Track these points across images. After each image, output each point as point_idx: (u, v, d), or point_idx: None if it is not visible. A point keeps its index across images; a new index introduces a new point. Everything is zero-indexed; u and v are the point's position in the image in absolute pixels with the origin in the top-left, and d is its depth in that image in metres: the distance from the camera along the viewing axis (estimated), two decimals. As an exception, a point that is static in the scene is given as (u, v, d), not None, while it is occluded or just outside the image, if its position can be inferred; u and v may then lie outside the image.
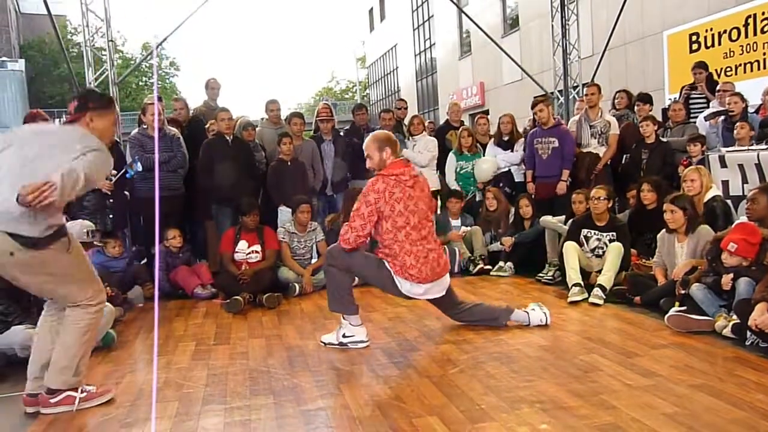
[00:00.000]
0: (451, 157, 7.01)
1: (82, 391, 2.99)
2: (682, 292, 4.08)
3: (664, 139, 6.44)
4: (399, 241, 3.80)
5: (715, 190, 5.18)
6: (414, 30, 30.37)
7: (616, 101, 7.54)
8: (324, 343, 3.92)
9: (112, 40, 9.67)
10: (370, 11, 38.67)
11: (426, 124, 7.90)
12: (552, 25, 11.01)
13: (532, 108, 6.67)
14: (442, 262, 3.95)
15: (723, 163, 5.50)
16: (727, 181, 5.46)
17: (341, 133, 7.37)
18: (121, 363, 3.75)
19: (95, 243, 5.16)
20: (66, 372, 2.96)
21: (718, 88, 6.99)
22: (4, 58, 28.44)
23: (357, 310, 3.94)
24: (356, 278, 5.76)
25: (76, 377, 2.99)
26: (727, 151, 5.56)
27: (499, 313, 4.17)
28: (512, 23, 20.08)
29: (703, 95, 7.17)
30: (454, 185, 6.93)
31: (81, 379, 3.02)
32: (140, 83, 39.18)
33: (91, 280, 3.05)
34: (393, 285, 3.88)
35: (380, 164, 3.95)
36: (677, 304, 4.07)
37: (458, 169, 6.99)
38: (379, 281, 3.98)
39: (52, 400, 2.96)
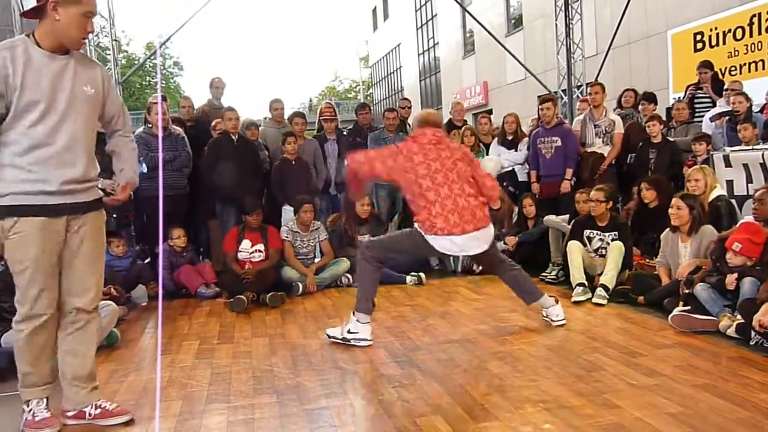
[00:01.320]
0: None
1: (95, 407, 2.79)
2: (686, 291, 4.07)
3: (671, 139, 6.43)
4: (427, 201, 3.73)
5: (720, 190, 5.17)
6: (417, 29, 30.36)
7: (623, 100, 7.53)
8: (328, 336, 3.94)
9: (116, 40, 9.72)
10: (374, 10, 38.67)
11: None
12: (556, 25, 11.00)
13: (541, 104, 6.65)
14: (480, 214, 3.81)
15: (727, 163, 5.48)
16: (732, 180, 5.44)
17: (344, 133, 7.37)
18: (125, 362, 3.76)
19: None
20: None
21: (726, 87, 6.98)
22: (8, 58, 28.48)
23: (371, 310, 3.92)
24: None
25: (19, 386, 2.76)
26: (732, 151, 5.54)
27: (532, 291, 4.15)
28: (516, 22, 20.06)
29: (708, 95, 7.15)
30: None
31: (24, 393, 2.76)
32: (144, 83, 39.24)
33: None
34: (429, 247, 3.80)
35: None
36: (681, 303, 4.07)
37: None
38: (417, 249, 4.02)
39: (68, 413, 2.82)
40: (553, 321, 4.10)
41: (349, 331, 3.84)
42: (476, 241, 3.81)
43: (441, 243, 3.76)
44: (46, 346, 2.72)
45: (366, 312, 3.88)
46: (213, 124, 6.72)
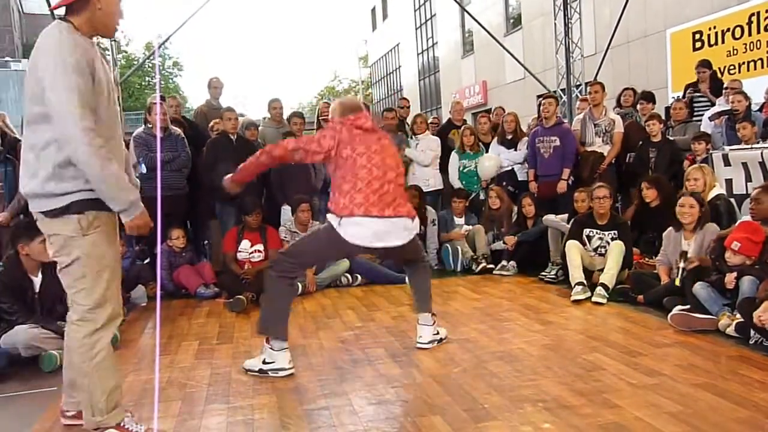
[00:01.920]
0: (454, 156, 7.01)
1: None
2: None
3: (671, 138, 6.43)
4: (357, 179, 3.36)
5: (719, 189, 5.17)
6: (416, 29, 30.34)
7: (622, 99, 7.53)
8: (245, 369, 3.43)
9: (115, 40, 9.69)
10: (373, 10, 38.65)
11: (431, 120, 7.89)
12: (555, 24, 10.99)
13: (543, 100, 6.64)
14: (406, 204, 3.53)
15: (726, 162, 5.49)
16: (731, 179, 5.44)
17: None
18: (124, 362, 3.75)
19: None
20: (85, 410, 2.53)
21: (725, 85, 6.98)
22: (7, 58, 28.47)
23: (286, 335, 3.42)
24: (357, 278, 5.86)
25: (94, 417, 2.49)
26: (731, 150, 5.54)
27: (427, 301, 3.79)
28: (515, 22, 20.05)
29: (706, 96, 7.15)
30: (458, 184, 6.92)
31: (105, 420, 2.50)
32: (143, 83, 39.21)
33: None
34: (339, 240, 3.33)
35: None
36: (680, 302, 4.07)
37: (461, 168, 6.99)
38: (328, 247, 3.50)
39: None
40: (417, 341, 3.75)
41: (264, 362, 3.37)
42: (394, 230, 3.42)
43: (351, 230, 3.31)
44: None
45: (280, 338, 3.38)
46: (210, 124, 6.71)
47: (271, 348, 3.37)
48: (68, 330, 2.49)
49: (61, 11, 2.46)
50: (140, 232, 2.52)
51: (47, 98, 2.27)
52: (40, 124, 2.35)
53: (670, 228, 4.67)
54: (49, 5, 8.71)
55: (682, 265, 4.32)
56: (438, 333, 3.81)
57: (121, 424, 2.52)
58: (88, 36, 2.42)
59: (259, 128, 6.96)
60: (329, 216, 3.42)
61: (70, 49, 2.28)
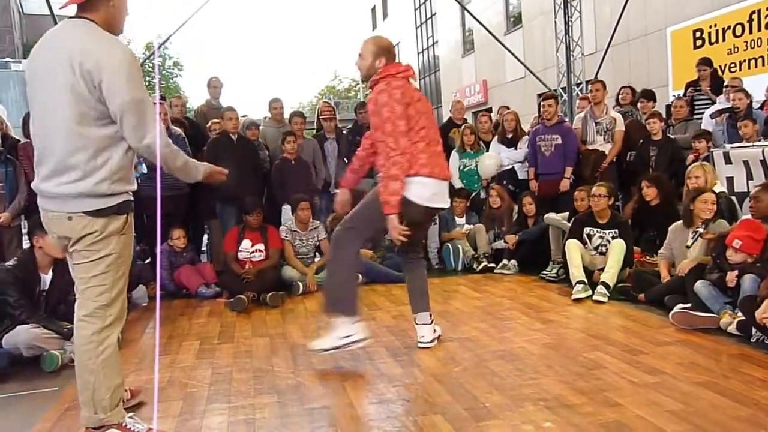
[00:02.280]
0: (454, 155, 7.00)
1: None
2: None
3: (671, 136, 6.42)
4: (417, 147, 3.36)
5: (720, 187, 5.17)
6: (416, 28, 30.33)
7: (620, 97, 7.52)
8: (317, 350, 3.45)
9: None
10: (373, 9, 38.61)
11: None
12: (555, 22, 10.99)
13: (543, 101, 6.64)
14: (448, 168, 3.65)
15: (728, 160, 5.48)
16: (732, 177, 5.44)
17: (344, 132, 7.36)
18: (125, 362, 3.71)
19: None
20: (86, 407, 2.52)
21: (725, 83, 6.97)
22: (7, 59, 28.48)
23: (357, 310, 3.46)
24: (357, 278, 5.85)
25: (97, 414, 2.49)
26: (732, 148, 5.54)
27: (423, 303, 3.76)
28: (515, 20, 20.03)
29: (707, 96, 7.15)
30: (458, 183, 6.91)
31: (107, 417, 2.50)
32: (144, 83, 39.18)
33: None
34: (406, 203, 3.33)
35: (368, 70, 3.53)
36: (682, 301, 4.06)
37: (462, 167, 6.98)
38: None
39: None
40: (419, 341, 3.73)
41: (341, 338, 3.39)
42: (445, 192, 3.58)
43: (415, 189, 3.34)
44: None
45: (353, 314, 3.41)
46: (209, 124, 6.71)
47: (347, 323, 3.38)
48: (76, 326, 2.50)
49: (71, 10, 2.45)
50: (217, 178, 2.78)
51: (117, 102, 2.33)
52: (93, 126, 2.38)
53: (677, 222, 4.65)
54: (49, 6, 8.74)
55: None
56: (436, 330, 3.82)
57: (123, 423, 2.52)
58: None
59: (260, 128, 6.96)
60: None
61: (134, 62, 2.43)
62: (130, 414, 2.61)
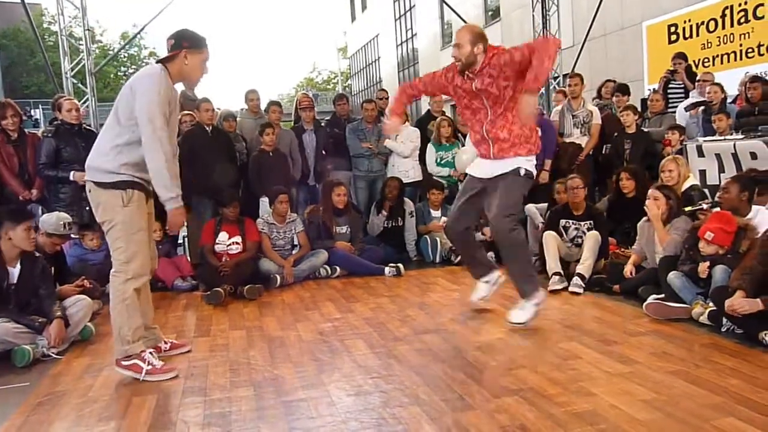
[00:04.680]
0: (430, 148, 6.99)
1: (148, 363, 3.20)
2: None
3: (645, 129, 6.50)
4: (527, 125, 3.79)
5: (693, 180, 5.24)
6: (396, 20, 30.27)
7: (603, 90, 7.59)
8: (519, 323, 3.79)
9: (89, 29, 9.50)
10: (352, 1, 38.45)
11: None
12: (533, 16, 11.04)
13: None
14: None
15: (700, 153, 5.57)
16: (705, 170, 5.52)
17: (322, 124, 7.33)
18: (99, 356, 3.70)
19: (72, 235, 5.08)
20: (117, 342, 3.24)
21: (698, 78, 7.07)
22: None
23: (538, 284, 3.96)
24: (336, 270, 5.85)
25: (123, 346, 3.20)
26: (705, 141, 5.62)
27: (488, 270, 4.31)
28: (493, 14, 20.09)
29: (682, 85, 7.24)
30: (444, 171, 6.88)
31: (131, 348, 3.20)
32: (119, 73, 38.61)
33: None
34: (531, 179, 3.90)
35: (468, 58, 3.78)
36: (655, 292, 4.13)
37: (438, 160, 6.98)
38: (526, 189, 3.97)
39: (123, 363, 3.22)
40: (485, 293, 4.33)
41: (535, 304, 3.83)
42: None
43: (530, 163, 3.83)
44: (142, 302, 3.33)
45: (539, 288, 3.89)
46: (179, 116, 6.62)
47: (535, 304, 3.82)
48: (111, 280, 3.23)
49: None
50: (174, 227, 3.30)
51: (139, 116, 3.06)
52: (118, 128, 3.15)
53: (644, 219, 4.72)
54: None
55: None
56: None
57: (143, 355, 3.21)
58: (175, 81, 3.29)
59: (237, 120, 6.90)
60: (521, 159, 3.78)
61: (164, 88, 3.14)
62: (151, 350, 3.30)
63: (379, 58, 34.30)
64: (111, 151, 3.15)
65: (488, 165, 3.90)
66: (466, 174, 6.76)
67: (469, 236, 4.31)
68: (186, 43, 3.25)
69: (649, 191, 4.62)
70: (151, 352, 3.29)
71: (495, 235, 3.88)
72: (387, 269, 5.81)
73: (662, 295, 4.03)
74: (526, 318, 3.79)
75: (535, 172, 3.89)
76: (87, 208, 5.31)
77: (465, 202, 4.07)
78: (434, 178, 6.92)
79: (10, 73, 31.29)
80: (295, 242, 6.02)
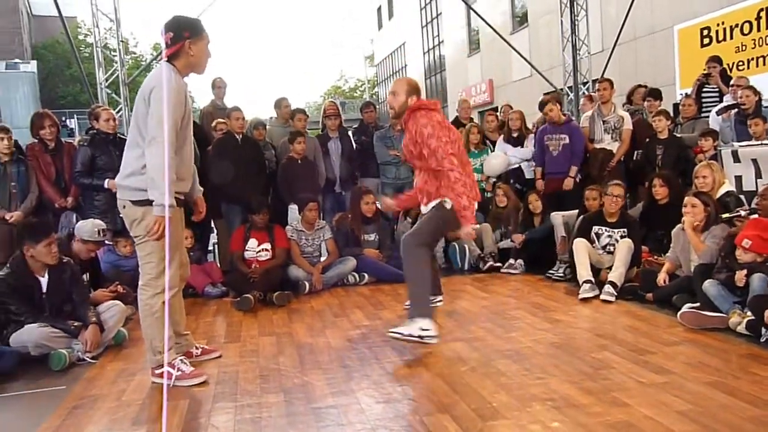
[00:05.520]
0: (460, 155, 6.98)
1: (177, 369, 3.25)
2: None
3: (678, 135, 6.38)
4: (464, 174, 3.67)
5: (728, 186, 5.13)
6: (422, 27, 30.32)
7: (633, 96, 7.49)
8: (393, 333, 3.57)
9: (123, 41, 9.71)
10: (378, 9, 38.64)
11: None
12: (561, 21, 10.95)
13: (541, 109, 6.63)
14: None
15: (736, 158, 5.44)
16: (741, 176, 5.39)
17: (349, 132, 7.36)
18: (132, 361, 3.76)
19: (106, 242, 5.17)
20: (149, 352, 3.31)
21: (732, 82, 6.93)
22: (16, 60, 28.65)
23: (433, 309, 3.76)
24: (364, 277, 5.86)
25: (155, 356, 3.26)
26: (740, 146, 5.50)
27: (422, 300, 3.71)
28: (521, 20, 20.00)
29: (716, 89, 7.10)
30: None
31: (163, 358, 3.19)
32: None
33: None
34: (456, 223, 3.70)
35: (401, 107, 3.84)
36: (690, 300, 4.04)
37: (468, 166, 6.95)
38: (448, 225, 3.84)
39: (156, 371, 3.28)
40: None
41: (422, 328, 3.51)
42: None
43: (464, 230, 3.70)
44: (175, 310, 3.40)
45: (430, 317, 3.59)
46: (213, 124, 6.71)
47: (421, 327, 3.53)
48: (138, 293, 3.30)
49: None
50: (153, 233, 3.09)
51: (149, 121, 3.01)
52: (144, 144, 3.08)
53: (678, 226, 4.63)
54: (57, 7, 8.79)
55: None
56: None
57: (174, 363, 3.25)
58: (184, 74, 3.23)
59: (267, 127, 6.97)
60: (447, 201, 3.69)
61: (174, 92, 3.05)
62: (181, 357, 3.35)
63: (405, 65, 34.38)
64: (142, 171, 3.12)
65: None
66: (494, 181, 6.82)
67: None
68: (187, 33, 3.14)
69: (686, 198, 4.53)
70: (181, 359, 3.33)
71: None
72: (415, 276, 5.78)
73: (697, 304, 3.95)
74: (407, 333, 3.51)
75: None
76: (120, 215, 5.46)
77: None
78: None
79: (47, 84, 32.10)
80: (324, 249, 6.04)
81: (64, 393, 3.24)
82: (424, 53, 30.67)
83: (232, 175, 5.96)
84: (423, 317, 3.54)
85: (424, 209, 3.91)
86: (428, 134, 3.61)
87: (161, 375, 3.20)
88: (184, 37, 3.13)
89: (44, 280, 3.90)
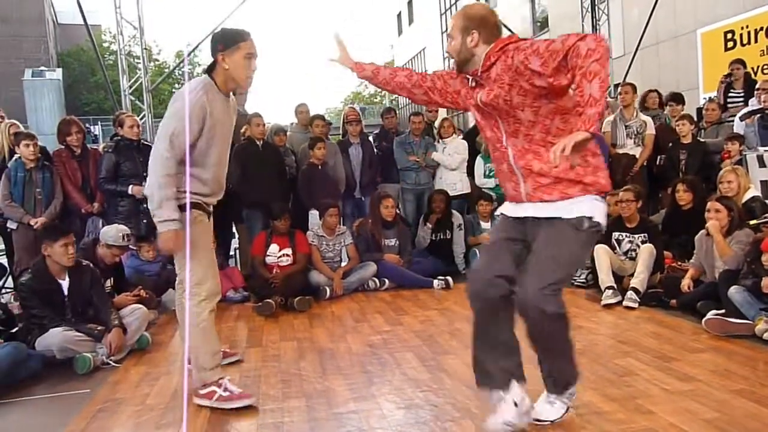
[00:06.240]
0: (479, 160, 6.97)
1: (225, 389, 3.02)
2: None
3: (701, 139, 6.31)
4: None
5: (754, 191, 5.05)
6: (442, 33, 30.26)
7: (648, 101, 7.42)
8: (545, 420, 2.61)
9: (146, 48, 9.85)
10: (398, 15, 38.75)
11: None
12: (582, 26, 10.89)
13: None
14: None
15: (762, 163, 5.37)
16: (766, 181, 5.31)
17: (369, 137, 7.38)
18: (155, 365, 3.80)
19: (130, 247, 5.24)
20: (195, 370, 3.08)
21: (757, 86, 6.84)
22: (42, 68, 29.22)
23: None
24: (384, 282, 5.86)
25: (200, 373, 3.06)
26: (766, 151, 5.42)
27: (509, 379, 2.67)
28: (541, 24, 19.91)
29: (742, 93, 7.01)
30: (487, 183, 6.85)
31: (208, 375, 3.04)
32: (173, 90, 39.77)
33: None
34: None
35: (459, 52, 2.51)
36: (715, 307, 3.98)
37: (487, 171, 6.94)
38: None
39: (200, 392, 3.07)
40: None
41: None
42: None
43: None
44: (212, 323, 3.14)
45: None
46: (243, 129, 6.78)
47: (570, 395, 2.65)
48: (177, 303, 3.17)
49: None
50: (164, 250, 3.06)
51: (159, 129, 2.97)
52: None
53: (702, 232, 4.57)
54: (83, 15, 8.95)
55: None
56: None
57: (220, 381, 3.04)
58: (227, 90, 3.11)
59: (287, 133, 7.01)
60: (591, 198, 2.41)
61: (197, 105, 2.90)
62: (228, 377, 3.11)
63: (426, 71, 34.36)
64: None
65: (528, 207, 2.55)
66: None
67: (504, 297, 2.56)
68: (220, 46, 3.00)
69: (709, 204, 4.47)
70: (229, 379, 3.11)
71: (525, 318, 2.50)
72: (436, 282, 5.79)
73: (722, 311, 3.88)
74: (558, 415, 2.60)
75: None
76: (144, 220, 5.54)
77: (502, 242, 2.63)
78: (482, 190, 6.89)
79: (72, 91, 32.65)
80: (344, 255, 6.06)
81: (88, 396, 3.29)
82: (444, 59, 30.64)
83: (253, 181, 6.01)
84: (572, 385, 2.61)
85: (542, 210, 2.46)
86: (546, 44, 2.25)
87: (205, 396, 3.03)
88: (218, 50, 3.01)
89: (65, 284, 3.96)
